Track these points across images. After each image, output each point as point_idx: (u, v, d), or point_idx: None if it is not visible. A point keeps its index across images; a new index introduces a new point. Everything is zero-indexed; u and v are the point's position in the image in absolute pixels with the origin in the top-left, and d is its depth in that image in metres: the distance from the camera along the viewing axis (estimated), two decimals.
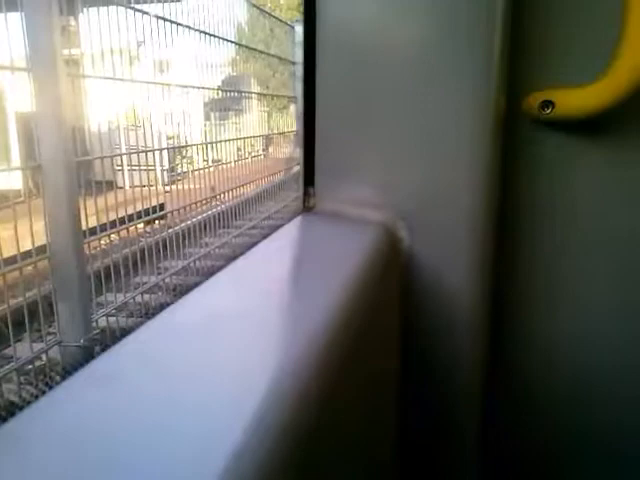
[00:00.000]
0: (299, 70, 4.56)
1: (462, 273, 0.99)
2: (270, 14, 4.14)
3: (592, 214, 1.06)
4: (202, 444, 0.39)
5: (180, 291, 3.10)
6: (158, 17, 2.79)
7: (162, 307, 2.92)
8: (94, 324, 2.13)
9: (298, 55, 4.93)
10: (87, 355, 2.08)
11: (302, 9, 1.10)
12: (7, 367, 2.08)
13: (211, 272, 3.20)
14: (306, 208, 1.03)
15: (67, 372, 2.07)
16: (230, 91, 4.13)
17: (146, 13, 2.70)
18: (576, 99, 1.02)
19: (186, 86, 3.25)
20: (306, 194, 1.03)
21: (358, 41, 0.96)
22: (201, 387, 0.45)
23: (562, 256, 1.07)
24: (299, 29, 4.64)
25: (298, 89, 4.62)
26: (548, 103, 1.04)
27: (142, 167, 2.91)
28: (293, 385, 0.48)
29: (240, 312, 0.61)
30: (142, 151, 2.85)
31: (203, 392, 0.45)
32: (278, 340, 0.58)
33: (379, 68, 0.97)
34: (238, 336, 0.56)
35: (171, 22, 2.91)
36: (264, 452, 0.40)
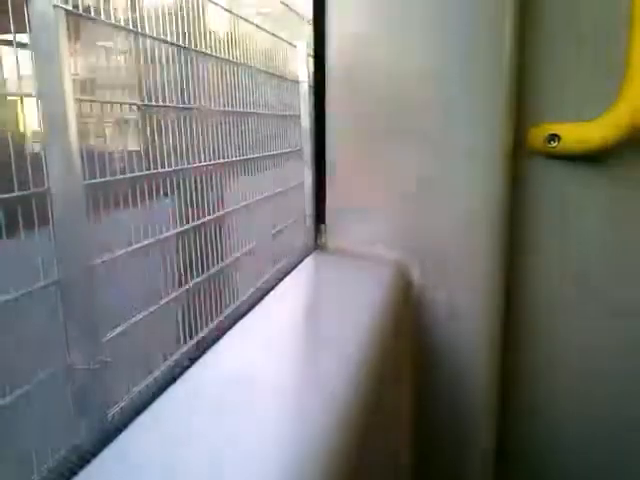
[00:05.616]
0: (303, 88, 4.56)
1: (475, 311, 1.00)
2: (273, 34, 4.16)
3: (598, 245, 1.08)
4: None
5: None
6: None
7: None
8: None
9: (302, 74, 4.95)
10: (96, 379, 2.09)
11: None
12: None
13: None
14: (318, 246, 1.04)
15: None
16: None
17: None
18: (581, 134, 1.04)
19: (185, 108, 3.26)
20: (318, 231, 1.05)
21: (367, 82, 0.99)
22: (222, 465, 0.47)
23: (571, 287, 1.08)
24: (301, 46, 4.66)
25: (302, 108, 4.65)
26: (554, 136, 1.05)
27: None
28: (320, 440, 0.50)
29: (263, 369, 0.63)
30: (146, 174, 2.86)
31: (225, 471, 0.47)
32: (302, 396, 0.60)
33: (389, 105, 0.99)
34: (262, 396, 0.58)
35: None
36: None
